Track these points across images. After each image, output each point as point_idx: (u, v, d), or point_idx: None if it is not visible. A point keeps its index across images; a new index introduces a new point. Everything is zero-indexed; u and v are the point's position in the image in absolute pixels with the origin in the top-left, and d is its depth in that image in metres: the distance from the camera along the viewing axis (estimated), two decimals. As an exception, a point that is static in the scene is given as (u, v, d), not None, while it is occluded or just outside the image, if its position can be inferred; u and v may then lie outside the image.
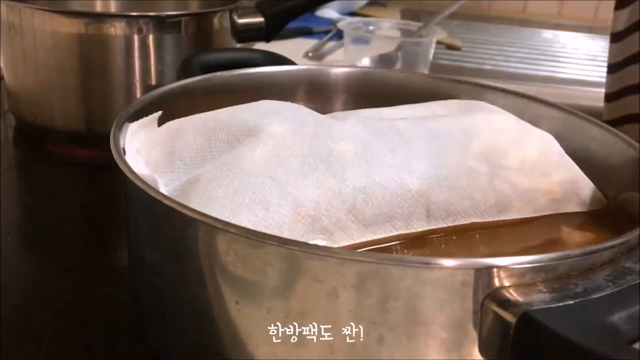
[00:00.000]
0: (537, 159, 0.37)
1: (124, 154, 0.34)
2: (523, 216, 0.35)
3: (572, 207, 0.36)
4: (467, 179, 0.34)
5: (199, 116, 0.37)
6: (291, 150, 0.33)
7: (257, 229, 0.29)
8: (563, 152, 0.38)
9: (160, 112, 0.38)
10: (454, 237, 0.33)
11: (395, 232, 0.32)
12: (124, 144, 0.35)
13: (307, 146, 0.33)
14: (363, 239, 0.31)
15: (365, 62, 0.87)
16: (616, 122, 0.61)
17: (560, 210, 0.36)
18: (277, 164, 0.32)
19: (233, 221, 0.28)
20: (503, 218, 0.34)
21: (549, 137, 0.39)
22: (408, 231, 0.32)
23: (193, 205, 0.29)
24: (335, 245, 0.31)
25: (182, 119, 0.38)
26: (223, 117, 0.36)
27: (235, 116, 0.36)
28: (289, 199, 0.31)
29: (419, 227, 0.32)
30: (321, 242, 0.30)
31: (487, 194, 0.34)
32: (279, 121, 0.35)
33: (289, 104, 0.40)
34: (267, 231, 0.29)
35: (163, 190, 0.32)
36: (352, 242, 0.31)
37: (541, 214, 0.35)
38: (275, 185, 0.31)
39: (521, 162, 0.36)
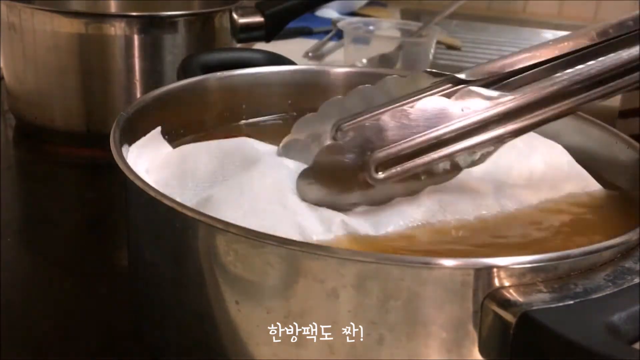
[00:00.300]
0: (544, 171, 0.36)
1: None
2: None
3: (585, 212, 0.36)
4: (472, 202, 0.33)
5: (215, 141, 0.37)
6: None
7: None
8: (573, 161, 0.37)
9: (159, 128, 0.38)
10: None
11: None
12: (127, 156, 0.34)
13: None
14: None
15: (365, 62, 0.87)
16: (631, 113, 0.61)
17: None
18: (288, 192, 0.32)
19: None
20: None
21: (558, 147, 0.38)
22: None
23: None
24: None
25: (197, 144, 0.37)
26: (237, 142, 0.36)
27: (250, 143, 0.36)
28: (297, 229, 0.30)
29: None
30: None
31: (494, 214, 0.33)
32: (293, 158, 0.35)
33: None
34: None
35: None
36: None
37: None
38: (285, 213, 0.31)
39: (528, 177, 0.36)
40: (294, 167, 0.33)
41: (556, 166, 0.37)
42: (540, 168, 0.36)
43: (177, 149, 0.38)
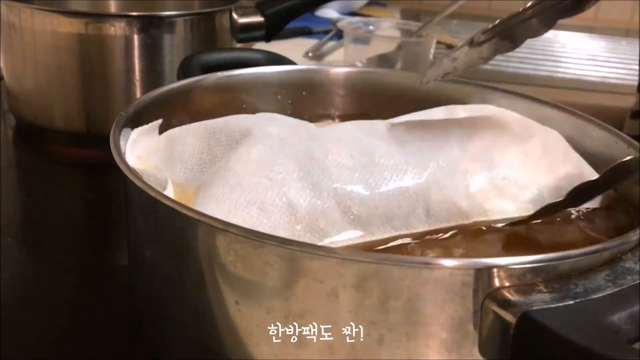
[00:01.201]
0: (540, 155, 0.37)
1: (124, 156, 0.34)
2: (530, 213, 0.34)
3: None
4: (466, 179, 0.34)
5: (199, 123, 0.37)
6: (288, 151, 0.33)
7: (252, 228, 0.29)
8: (569, 147, 0.38)
9: (160, 120, 0.38)
10: (460, 236, 0.33)
11: (395, 233, 0.32)
12: (124, 149, 0.35)
13: (303, 147, 0.33)
14: (362, 240, 0.31)
15: (365, 62, 0.87)
16: None
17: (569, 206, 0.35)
18: (272, 164, 0.32)
19: (228, 220, 0.28)
20: (508, 216, 0.34)
21: (554, 134, 0.39)
22: (408, 231, 0.32)
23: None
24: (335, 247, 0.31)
25: (183, 127, 0.38)
26: (222, 122, 0.37)
27: (234, 120, 0.37)
28: (285, 200, 0.31)
29: (419, 227, 0.32)
30: (320, 244, 0.30)
31: (488, 193, 0.34)
32: (276, 125, 0.35)
33: (284, 116, 0.39)
34: (262, 231, 0.29)
35: (171, 190, 0.32)
36: (351, 243, 0.31)
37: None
38: (271, 185, 0.31)
39: (522, 159, 0.36)
40: (279, 136, 0.34)
41: (552, 152, 0.37)
42: (536, 152, 0.37)
43: (164, 133, 0.38)
